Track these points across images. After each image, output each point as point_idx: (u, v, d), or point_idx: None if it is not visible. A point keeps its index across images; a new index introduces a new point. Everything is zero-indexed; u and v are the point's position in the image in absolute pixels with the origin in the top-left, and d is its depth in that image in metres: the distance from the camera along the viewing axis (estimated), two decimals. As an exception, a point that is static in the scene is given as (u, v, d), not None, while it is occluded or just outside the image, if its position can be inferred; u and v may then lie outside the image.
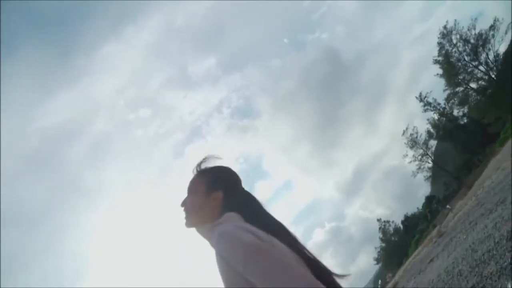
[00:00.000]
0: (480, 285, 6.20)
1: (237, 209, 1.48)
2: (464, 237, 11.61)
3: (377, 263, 72.81)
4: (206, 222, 1.50)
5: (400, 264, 45.67)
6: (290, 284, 1.15)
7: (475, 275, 6.88)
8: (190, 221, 1.54)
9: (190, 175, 1.65)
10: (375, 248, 70.18)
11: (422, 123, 48.71)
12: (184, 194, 1.62)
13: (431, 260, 14.75)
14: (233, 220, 1.41)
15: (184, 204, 1.59)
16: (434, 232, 25.79)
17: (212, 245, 1.35)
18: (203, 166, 1.64)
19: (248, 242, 1.24)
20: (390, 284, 30.14)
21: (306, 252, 1.41)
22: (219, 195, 1.54)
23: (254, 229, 1.31)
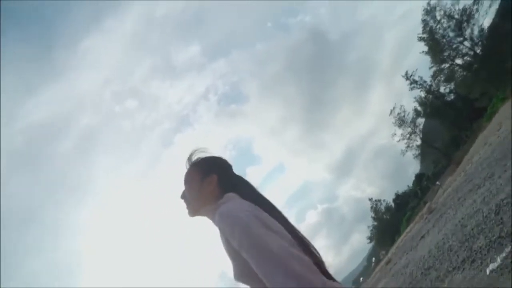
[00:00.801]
0: (470, 259, 6.24)
1: (232, 190, 1.57)
2: (454, 212, 11.71)
3: (370, 242, 73.80)
4: (206, 205, 1.58)
5: (393, 241, 46.28)
6: (284, 262, 1.21)
7: (465, 250, 6.93)
8: (192, 209, 1.62)
9: (183, 169, 1.72)
10: (368, 227, 71.13)
11: (409, 101, 48.88)
12: (179, 185, 1.70)
13: (422, 237, 14.90)
14: (233, 200, 1.49)
15: (183, 196, 1.66)
16: (425, 209, 26.06)
17: (215, 224, 1.42)
18: (193, 159, 1.71)
19: (245, 220, 1.31)
20: (383, 262, 30.55)
21: (299, 234, 1.46)
22: (213, 178, 1.62)
23: (252, 207, 1.39)
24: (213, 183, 1.62)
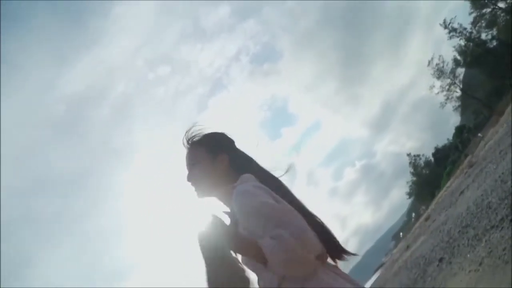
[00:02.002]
0: (509, 217, 6.01)
1: (244, 169, 1.54)
2: (494, 167, 11.29)
3: (410, 197, 73.17)
4: (220, 186, 1.53)
5: (432, 196, 45.61)
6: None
7: (504, 208, 6.68)
8: (203, 191, 1.56)
9: (183, 149, 1.65)
10: (407, 182, 70.26)
11: (448, 50, 46.50)
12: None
13: (462, 192, 14.54)
14: (251, 181, 1.45)
15: (190, 178, 1.58)
16: (465, 163, 25.38)
17: (232, 205, 1.39)
18: (196, 137, 1.64)
19: (265, 200, 1.31)
20: (422, 217, 30.27)
21: (313, 216, 1.46)
22: (224, 157, 1.57)
23: (269, 190, 1.39)
24: (225, 162, 1.58)
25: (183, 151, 1.66)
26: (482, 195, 9.26)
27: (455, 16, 44.23)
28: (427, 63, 46.84)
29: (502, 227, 5.95)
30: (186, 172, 1.62)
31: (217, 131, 1.67)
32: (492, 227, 6.40)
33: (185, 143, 1.65)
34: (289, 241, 1.18)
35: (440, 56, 46.92)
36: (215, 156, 1.58)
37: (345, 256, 1.44)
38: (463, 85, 49.21)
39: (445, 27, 42.81)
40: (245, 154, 1.64)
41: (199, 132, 1.65)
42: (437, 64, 46.31)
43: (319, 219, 1.47)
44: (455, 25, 42.44)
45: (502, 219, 6.23)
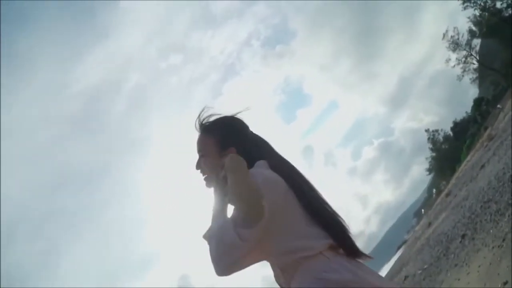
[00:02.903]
0: (532, 190, 5.91)
1: (254, 158, 1.49)
2: (515, 139, 11.08)
3: (430, 173, 72.43)
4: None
5: (453, 171, 45.03)
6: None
7: (526, 181, 6.57)
8: (210, 182, 1.53)
9: (195, 133, 1.60)
10: (426, 158, 69.52)
11: (464, 21, 45.24)
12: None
13: (482, 166, 14.33)
14: (261, 167, 1.42)
15: (199, 166, 1.56)
16: (485, 136, 24.92)
17: None
18: (205, 123, 1.59)
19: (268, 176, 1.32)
20: (443, 193, 29.96)
21: (319, 202, 1.42)
22: (232, 151, 1.51)
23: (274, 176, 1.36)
24: (233, 152, 1.52)
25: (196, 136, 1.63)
26: (503, 168, 9.11)
27: (469, -15, 43.02)
28: (441, 36, 45.77)
29: (525, 201, 5.87)
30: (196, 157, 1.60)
31: (228, 116, 1.61)
32: (515, 201, 6.31)
33: (197, 127, 1.60)
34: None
35: (455, 28, 45.81)
36: (224, 149, 1.52)
37: (358, 256, 1.37)
38: (479, 57, 48.07)
39: (459, -3, 41.67)
40: (257, 140, 1.59)
41: (210, 116, 1.60)
42: (452, 37, 45.24)
43: (330, 211, 1.43)
44: (469, -5, 41.28)
45: (524, 193, 6.14)
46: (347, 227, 1.41)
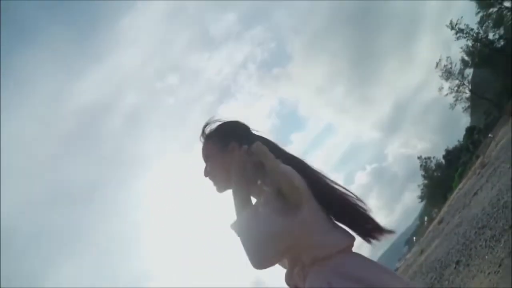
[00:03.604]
0: (528, 216, 5.83)
1: None
2: (508, 166, 11.08)
3: (422, 201, 72.39)
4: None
5: (445, 199, 45.01)
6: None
7: (522, 206, 6.50)
8: (220, 185, 1.50)
9: (198, 145, 1.61)
10: (418, 185, 69.61)
11: (457, 51, 46.09)
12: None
13: (475, 193, 14.29)
14: None
15: (207, 173, 1.54)
16: (477, 164, 25.02)
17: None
18: (207, 131, 1.59)
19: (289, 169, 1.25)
20: (435, 221, 29.86)
21: (337, 193, 1.38)
22: (234, 145, 1.50)
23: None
24: (235, 149, 1.49)
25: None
26: (497, 194, 9.06)
27: (462, 17, 43.99)
28: (435, 64, 46.52)
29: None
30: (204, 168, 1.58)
31: (230, 120, 1.60)
32: (511, 226, 6.22)
33: (200, 139, 1.60)
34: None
35: (448, 57, 46.60)
36: (225, 146, 1.51)
37: (380, 235, 1.35)
38: (472, 86, 48.78)
39: (452, 28, 42.53)
40: (264, 138, 1.56)
41: (212, 125, 1.59)
42: (445, 66, 45.97)
43: (345, 194, 1.38)
44: (462, 26, 42.13)
45: (520, 218, 6.06)
46: (368, 213, 1.37)
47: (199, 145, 1.60)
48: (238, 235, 1.23)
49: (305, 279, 1.23)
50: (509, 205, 7.17)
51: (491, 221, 7.65)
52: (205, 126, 1.59)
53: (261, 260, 1.17)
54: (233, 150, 1.49)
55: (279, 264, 1.38)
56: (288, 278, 1.32)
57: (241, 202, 1.31)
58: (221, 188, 1.51)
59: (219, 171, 1.50)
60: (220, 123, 1.59)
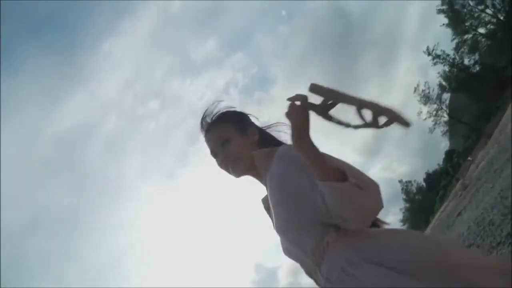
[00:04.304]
0: (516, 232, 5.76)
1: (273, 143, 1.48)
2: (491, 185, 11.10)
3: (404, 224, 72.80)
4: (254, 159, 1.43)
5: (427, 222, 45.31)
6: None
7: (508, 223, 6.43)
8: (241, 168, 1.45)
9: (205, 126, 1.54)
10: (400, 209, 70.08)
11: (435, 76, 47.36)
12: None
13: (459, 214, 14.27)
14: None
15: (226, 157, 1.46)
16: (458, 186, 25.24)
17: (275, 167, 1.30)
18: (218, 117, 1.54)
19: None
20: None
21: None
22: (253, 130, 1.51)
23: None
24: (255, 135, 1.50)
25: (201, 139, 1.56)
26: (482, 213, 9.01)
27: (438, 43, 45.38)
28: (413, 89, 47.56)
29: (510, 243, 5.69)
30: (215, 153, 1.50)
31: (233, 108, 1.58)
32: (499, 243, 6.12)
33: (206, 123, 1.53)
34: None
35: (425, 82, 47.77)
36: (245, 131, 1.49)
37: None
38: (450, 110, 49.90)
39: (429, 54, 43.73)
40: (262, 128, 1.58)
41: (217, 110, 1.55)
42: (423, 90, 47.06)
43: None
44: (438, 52, 43.36)
45: (508, 235, 5.97)
46: None
47: (200, 140, 1.55)
48: (339, 198, 1.10)
49: (324, 257, 1.17)
50: (495, 222, 7.10)
51: (478, 239, 7.55)
52: (207, 111, 1.55)
53: (364, 220, 1.16)
54: (252, 135, 1.49)
55: (294, 259, 1.34)
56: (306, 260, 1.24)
57: (323, 162, 1.15)
58: (240, 171, 1.46)
59: (241, 153, 1.44)
60: (230, 109, 1.56)
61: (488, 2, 37.11)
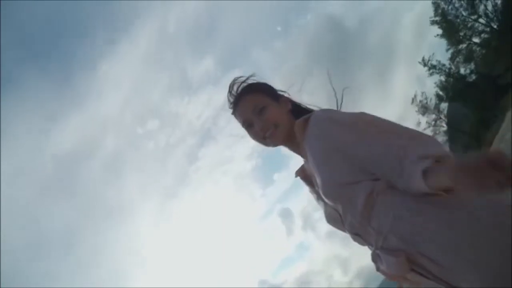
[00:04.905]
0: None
1: (304, 111, 1.45)
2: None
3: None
4: (291, 126, 1.41)
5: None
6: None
7: None
8: (279, 136, 1.43)
9: (231, 100, 1.55)
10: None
11: (432, 86, 47.67)
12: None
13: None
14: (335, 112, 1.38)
15: (265, 124, 1.42)
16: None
17: (309, 130, 1.29)
18: (249, 86, 1.53)
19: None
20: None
21: None
22: (286, 99, 1.52)
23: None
24: (289, 104, 1.50)
25: (229, 111, 1.57)
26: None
27: (433, 54, 45.70)
28: (411, 100, 47.73)
29: None
30: (249, 123, 1.46)
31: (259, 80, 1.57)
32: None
33: (236, 93, 1.52)
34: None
35: (423, 92, 47.94)
36: (277, 99, 1.49)
37: None
38: (448, 119, 49.94)
39: (424, 65, 43.97)
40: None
41: (248, 82, 1.54)
42: (420, 101, 47.17)
43: None
44: (434, 62, 43.62)
45: None
46: None
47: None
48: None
49: (374, 208, 1.15)
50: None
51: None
52: (236, 81, 1.54)
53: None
54: (286, 103, 1.50)
55: (337, 226, 1.36)
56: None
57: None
58: (280, 138, 1.43)
59: (281, 119, 1.43)
60: (258, 80, 1.55)
61: (481, 12, 37.52)
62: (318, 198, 1.43)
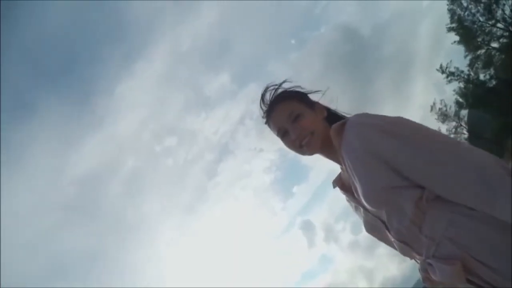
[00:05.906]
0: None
1: (339, 119, 1.41)
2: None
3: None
4: (327, 133, 1.37)
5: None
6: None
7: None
8: (316, 144, 1.38)
9: (264, 109, 1.51)
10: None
11: (451, 93, 46.92)
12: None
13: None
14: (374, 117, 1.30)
15: (303, 132, 1.38)
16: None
17: (346, 137, 1.25)
18: (284, 93, 1.50)
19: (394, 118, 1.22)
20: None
21: None
22: (321, 106, 1.47)
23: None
24: (324, 111, 1.46)
25: (261, 120, 1.53)
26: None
27: (451, 61, 45.06)
28: (430, 108, 47.06)
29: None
30: (285, 131, 1.42)
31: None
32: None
33: (269, 102, 1.47)
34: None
35: (442, 100, 47.16)
36: (311, 106, 1.44)
37: None
38: (469, 126, 49.01)
39: (442, 72, 43.35)
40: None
41: (277, 89, 1.51)
42: (440, 109, 46.42)
43: None
44: (452, 69, 42.97)
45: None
46: None
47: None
48: None
49: (426, 214, 1.13)
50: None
51: None
52: (274, 89, 1.50)
53: None
54: (321, 110, 1.45)
55: (379, 236, 1.36)
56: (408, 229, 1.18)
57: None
58: (316, 146, 1.39)
59: (317, 127, 1.39)
60: (291, 87, 1.52)
61: (499, 17, 36.98)
62: (357, 206, 1.38)
